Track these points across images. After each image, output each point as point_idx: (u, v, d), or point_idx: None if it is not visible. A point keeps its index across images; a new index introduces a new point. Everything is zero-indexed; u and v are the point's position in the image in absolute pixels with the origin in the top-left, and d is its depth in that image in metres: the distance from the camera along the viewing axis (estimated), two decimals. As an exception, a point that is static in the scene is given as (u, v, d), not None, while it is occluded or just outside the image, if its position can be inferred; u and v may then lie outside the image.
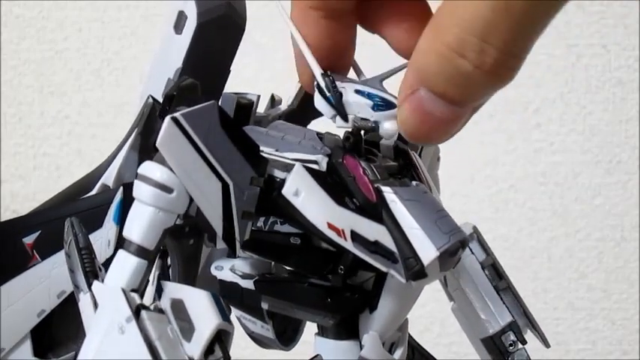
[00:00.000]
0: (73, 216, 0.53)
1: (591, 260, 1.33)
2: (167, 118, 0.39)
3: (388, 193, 0.44)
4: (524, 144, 1.32)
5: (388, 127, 0.46)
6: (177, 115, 0.39)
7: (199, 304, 0.43)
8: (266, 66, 1.28)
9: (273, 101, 0.63)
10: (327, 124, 0.51)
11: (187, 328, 0.42)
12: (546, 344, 0.64)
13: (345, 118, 0.46)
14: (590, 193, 1.33)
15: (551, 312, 1.33)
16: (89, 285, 0.45)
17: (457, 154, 1.30)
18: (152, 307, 0.43)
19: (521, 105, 1.32)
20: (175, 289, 0.44)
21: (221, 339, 0.42)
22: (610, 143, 1.33)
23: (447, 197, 1.34)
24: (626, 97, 1.33)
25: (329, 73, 0.46)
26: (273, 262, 0.54)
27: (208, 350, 0.42)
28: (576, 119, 1.32)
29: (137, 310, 0.41)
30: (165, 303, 0.43)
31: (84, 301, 0.46)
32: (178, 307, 0.43)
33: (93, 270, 0.46)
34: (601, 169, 1.33)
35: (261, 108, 0.62)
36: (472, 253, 0.63)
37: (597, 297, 1.34)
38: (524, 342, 0.62)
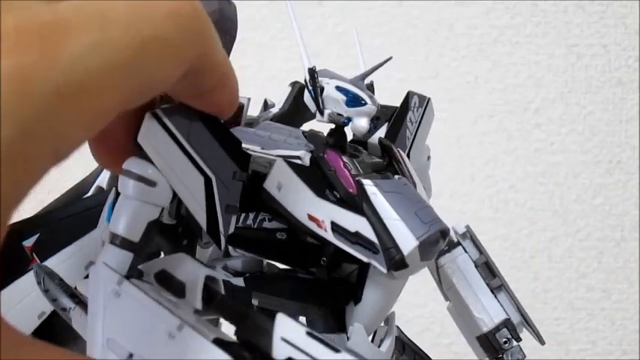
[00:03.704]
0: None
1: (591, 260, 1.33)
2: (147, 114, 0.40)
3: (369, 185, 0.45)
4: (524, 144, 1.33)
5: (358, 123, 0.47)
6: (157, 110, 0.40)
7: (180, 264, 0.43)
8: (267, 66, 1.28)
9: (266, 105, 0.63)
10: (318, 127, 0.52)
11: (178, 289, 0.43)
12: (541, 341, 0.64)
13: (321, 112, 0.47)
14: (590, 193, 1.33)
15: (551, 312, 1.33)
16: (75, 301, 0.47)
17: (457, 154, 1.31)
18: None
19: (521, 105, 1.33)
20: (153, 265, 0.44)
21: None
22: (610, 143, 1.33)
23: (446, 197, 1.34)
24: (626, 97, 1.33)
25: (315, 68, 0.47)
26: (265, 261, 0.55)
27: (204, 297, 0.42)
28: (576, 119, 1.33)
29: (126, 277, 0.42)
30: (149, 280, 0.44)
31: (75, 316, 0.47)
32: (163, 276, 0.43)
33: (73, 293, 0.49)
34: (601, 169, 1.33)
35: (256, 111, 0.63)
36: (465, 251, 0.63)
37: (597, 297, 1.33)
38: (518, 339, 0.62)
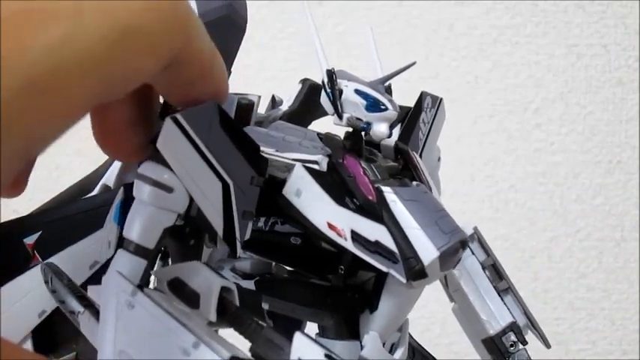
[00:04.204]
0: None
1: (591, 260, 1.33)
2: (167, 119, 0.39)
3: (388, 193, 0.44)
4: (524, 144, 1.32)
5: (378, 128, 0.46)
6: (177, 115, 0.39)
7: (195, 273, 0.43)
8: (267, 66, 1.28)
9: (274, 102, 0.63)
10: (327, 124, 0.51)
11: (191, 298, 0.42)
12: (547, 345, 0.64)
13: (340, 116, 0.46)
14: (590, 193, 1.33)
15: (551, 312, 1.33)
16: (84, 305, 0.46)
17: (457, 154, 1.30)
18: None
19: (521, 105, 1.32)
20: (168, 271, 0.44)
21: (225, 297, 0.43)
22: (610, 143, 1.33)
23: (447, 197, 1.34)
24: (626, 97, 1.33)
25: (333, 69, 0.47)
26: (274, 263, 0.54)
27: (219, 309, 0.42)
28: (576, 119, 1.33)
29: (139, 287, 0.41)
30: (162, 287, 0.43)
31: (84, 320, 0.46)
32: (176, 284, 0.43)
33: (82, 295, 0.48)
34: (601, 169, 1.33)
35: (263, 109, 0.62)
36: (473, 253, 0.63)
37: (597, 297, 1.34)
38: (524, 342, 0.62)
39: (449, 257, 0.44)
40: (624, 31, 1.32)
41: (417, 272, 0.43)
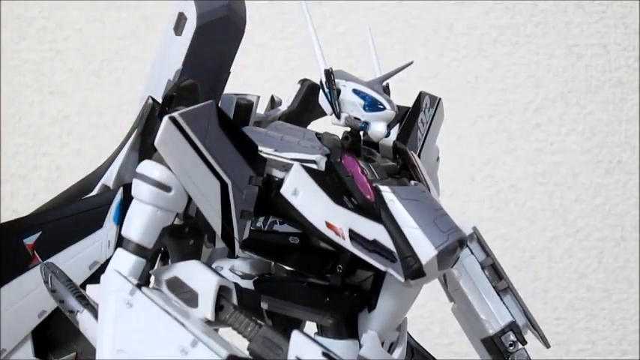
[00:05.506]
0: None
1: (591, 260, 1.34)
2: (165, 118, 0.39)
3: (386, 192, 0.45)
4: (524, 144, 1.33)
5: (376, 128, 0.46)
6: (175, 114, 0.39)
7: (193, 272, 0.44)
8: (266, 66, 1.28)
9: (273, 102, 0.63)
10: (326, 125, 0.51)
11: (190, 297, 0.43)
12: (546, 344, 0.64)
13: (337, 115, 0.47)
14: (590, 193, 1.33)
15: (551, 312, 1.33)
16: (84, 304, 0.47)
17: (457, 154, 1.31)
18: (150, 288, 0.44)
19: (521, 105, 1.33)
20: (166, 271, 0.45)
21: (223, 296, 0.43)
22: (610, 143, 1.33)
23: (447, 197, 1.34)
24: (626, 97, 1.33)
25: (331, 69, 0.47)
26: (272, 262, 0.54)
27: (218, 308, 0.43)
28: (576, 119, 1.33)
29: (137, 286, 0.42)
30: (160, 287, 0.44)
31: (83, 319, 0.47)
32: (175, 283, 0.44)
33: (82, 294, 0.48)
34: (601, 169, 1.33)
35: (262, 109, 0.63)
36: (472, 253, 0.63)
37: (597, 297, 1.34)
38: (524, 342, 0.63)
39: (447, 256, 0.44)
40: (624, 31, 1.32)
41: (414, 271, 0.43)
